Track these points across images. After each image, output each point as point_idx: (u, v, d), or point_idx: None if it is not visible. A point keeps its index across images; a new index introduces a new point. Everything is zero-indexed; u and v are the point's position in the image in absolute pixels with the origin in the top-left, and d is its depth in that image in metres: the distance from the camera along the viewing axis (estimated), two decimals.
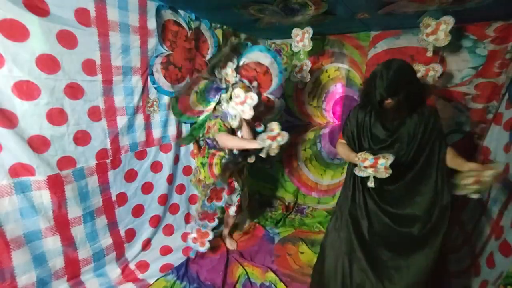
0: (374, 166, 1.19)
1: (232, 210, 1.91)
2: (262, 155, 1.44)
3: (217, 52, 2.05)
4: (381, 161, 1.17)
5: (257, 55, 1.74)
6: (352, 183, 1.40)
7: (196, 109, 1.82)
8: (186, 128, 2.09)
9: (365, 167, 1.21)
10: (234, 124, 1.65)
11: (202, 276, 1.72)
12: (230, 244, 2.06)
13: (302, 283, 1.69)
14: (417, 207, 1.26)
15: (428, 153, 1.24)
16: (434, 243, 1.23)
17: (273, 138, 1.41)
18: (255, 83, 1.74)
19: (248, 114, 1.54)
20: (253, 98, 1.52)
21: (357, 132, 1.37)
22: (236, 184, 1.84)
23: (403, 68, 1.20)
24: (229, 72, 1.69)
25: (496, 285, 1.28)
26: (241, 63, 1.74)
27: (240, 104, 1.54)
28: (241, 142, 1.64)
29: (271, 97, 1.88)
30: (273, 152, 1.43)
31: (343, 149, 1.42)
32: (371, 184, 1.23)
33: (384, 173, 1.18)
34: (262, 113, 1.88)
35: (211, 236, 1.79)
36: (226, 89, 1.71)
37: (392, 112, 1.24)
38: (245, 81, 1.70)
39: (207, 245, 1.79)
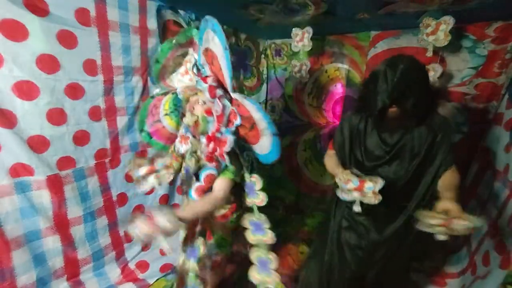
0: (360, 190, 0.98)
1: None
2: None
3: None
4: (368, 184, 0.96)
5: (204, 38, 1.12)
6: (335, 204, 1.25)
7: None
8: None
9: (349, 190, 1.01)
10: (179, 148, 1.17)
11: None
12: None
13: None
14: (396, 228, 1.13)
15: (426, 172, 1.05)
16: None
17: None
18: (210, 79, 1.08)
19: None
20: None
21: (350, 144, 1.15)
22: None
23: (413, 67, 0.96)
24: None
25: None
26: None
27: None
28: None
29: (238, 98, 1.07)
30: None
31: (329, 162, 1.18)
32: (357, 208, 1.02)
33: (372, 199, 0.97)
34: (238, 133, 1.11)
35: None
36: None
37: (395, 122, 1.02)
38: (200, 82, 1.11)
39: None
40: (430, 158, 1.03)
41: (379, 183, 0.96)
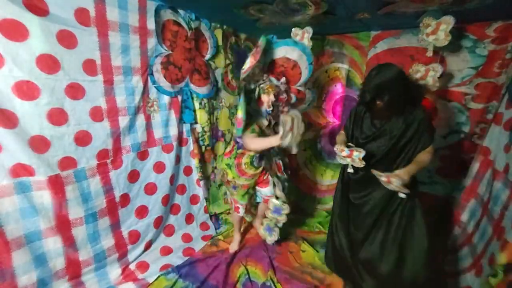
0: (350, 157, 1.40)
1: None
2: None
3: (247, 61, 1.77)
4: (355, 153, 1.39)
5: (284, 50, 1.70)
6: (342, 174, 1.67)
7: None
8: (186, 129, 2.09)
9: (344, 157, 1.43)
10: (265, 123, 1.70)
11: (204, 275, 1.72)
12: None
13: (302, 281, 1.69)
14: (377, 194, 1.46)
15: (402, 150, 1.39)
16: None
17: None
18: (283, 79, 1.71)
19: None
20: (299, 127, 1.44)
21: (352, 126, 1.56)
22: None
23: (389, 73, 1.30)
24: (256, 72, 1.67)
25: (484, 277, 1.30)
26: (268, 60, 1.72)
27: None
28: (264, 141, 1.58)
29: (301, 89, 1.84)
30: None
31: (338, 138, 1.64)
32: (350, 170, 1.46)
33: (359, 163, 1.39)
34: (294, 105, 1.87)
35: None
36: (254, 89, 1.68)
37: (379, 112, 1.40)
38: (273, 79, 1.68)
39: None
40: (406, 140, 1.37)
41: (362, 153, 1.37)
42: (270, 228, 1.94)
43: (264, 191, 1.88)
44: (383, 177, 1.32)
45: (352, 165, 1.44)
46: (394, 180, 1.27)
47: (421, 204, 1.40)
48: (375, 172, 1.35)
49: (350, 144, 1.48)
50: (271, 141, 1.51)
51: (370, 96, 1.33)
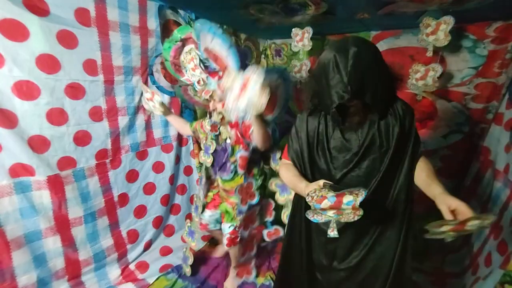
0: (338, 207, 0.74)
1: (224, 242, 1.55)
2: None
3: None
4: (347, 198, 0.73)
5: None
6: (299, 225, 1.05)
7: None
8: None
9: (324, 209, 0.76)
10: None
11: (204, 275, 1.72)
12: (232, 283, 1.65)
13: None
14: (376, 256, 0.95)
15: (398, 168, 0.90)
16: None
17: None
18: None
19: (159, 110, 1.54)
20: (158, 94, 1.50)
21: (309, 151, 0.97)
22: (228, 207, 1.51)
23: (367, 49, 0.80)
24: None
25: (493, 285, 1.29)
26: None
27: (151, 100, 1.53)
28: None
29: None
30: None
31: (288, 174, 0.99)
32: (333, 233, 0.75)
33: (352, 215, 0.72)
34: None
35: None
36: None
37: (357, 118, 0.87)
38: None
39: None
40: (401, 151, 0.88)
41: (360, 195, 0.72)
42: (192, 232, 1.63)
43: None
44: (449, 225, 0.73)
45: (337, 223, 0.75)
46: (475, 225, 0.72)
47: (420, 205, 1.03)
48: (435, 229, 0.75)
49: (329, 182, 0.82)
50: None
51: (348, 96, 0.77)
